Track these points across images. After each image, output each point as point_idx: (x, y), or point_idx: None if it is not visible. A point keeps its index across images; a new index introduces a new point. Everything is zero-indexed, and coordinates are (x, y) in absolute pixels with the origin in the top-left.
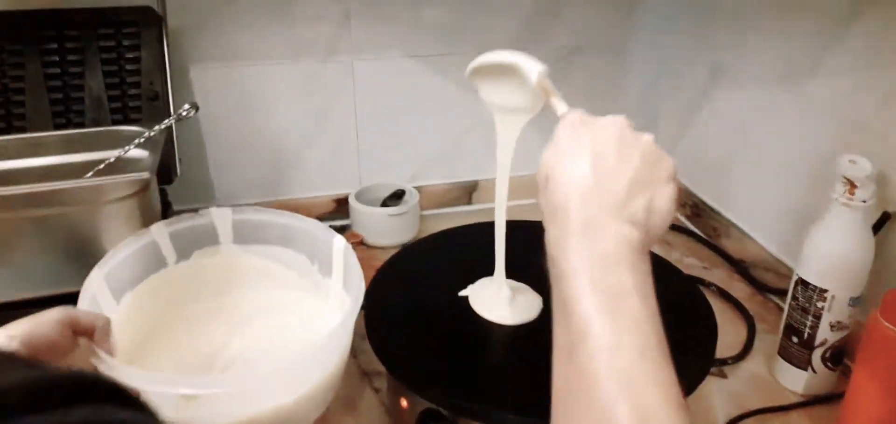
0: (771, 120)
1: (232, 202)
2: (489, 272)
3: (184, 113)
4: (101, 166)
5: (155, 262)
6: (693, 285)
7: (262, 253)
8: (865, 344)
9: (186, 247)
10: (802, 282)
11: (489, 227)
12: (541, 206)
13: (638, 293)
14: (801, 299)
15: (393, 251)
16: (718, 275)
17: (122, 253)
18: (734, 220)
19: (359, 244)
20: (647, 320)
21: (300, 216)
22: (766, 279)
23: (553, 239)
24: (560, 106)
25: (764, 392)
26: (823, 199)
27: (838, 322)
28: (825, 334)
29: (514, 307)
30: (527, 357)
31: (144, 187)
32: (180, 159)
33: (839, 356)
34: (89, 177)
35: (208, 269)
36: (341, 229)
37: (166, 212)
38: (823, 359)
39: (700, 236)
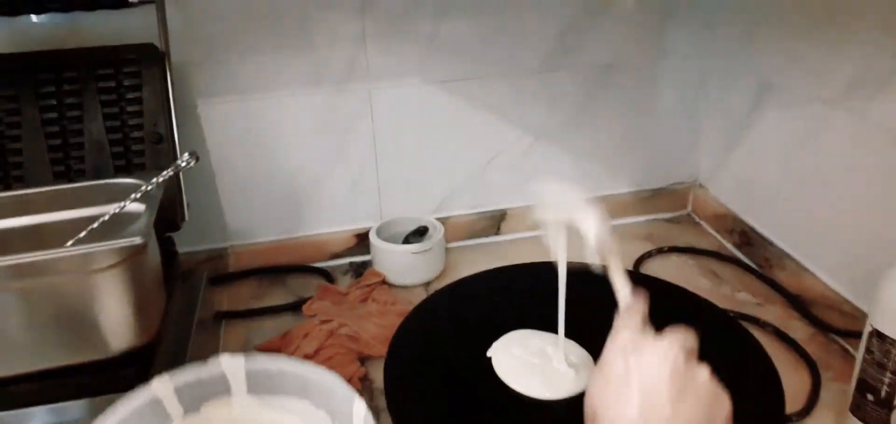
0: (828, 143)
1: (246, 240)
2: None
3: (183, 163)
4: (96, 224)
5: (157, 420)
6: (747, 335)
7: (279, 406)
8: None
9: (194, 401)
10: (878, 334)
11: (524, 269)
12: None
13: None
14: (876, 353)
15: (417, 290)
16: (774, 312)
17: (115, 416)
18: (788, 250)
19: (381, 284)
20: None
21: (319, 368)
22: (828, 318)
23: None
24: (618, 281)
25: None
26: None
27: None
28: None
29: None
30: None
31: (137, 252)
32: (188, 204)
33: None
34: (79, 240)
35: (220, 421)
36: (362, 267)
37: (172, 263)
38: None
39: (751, 268)
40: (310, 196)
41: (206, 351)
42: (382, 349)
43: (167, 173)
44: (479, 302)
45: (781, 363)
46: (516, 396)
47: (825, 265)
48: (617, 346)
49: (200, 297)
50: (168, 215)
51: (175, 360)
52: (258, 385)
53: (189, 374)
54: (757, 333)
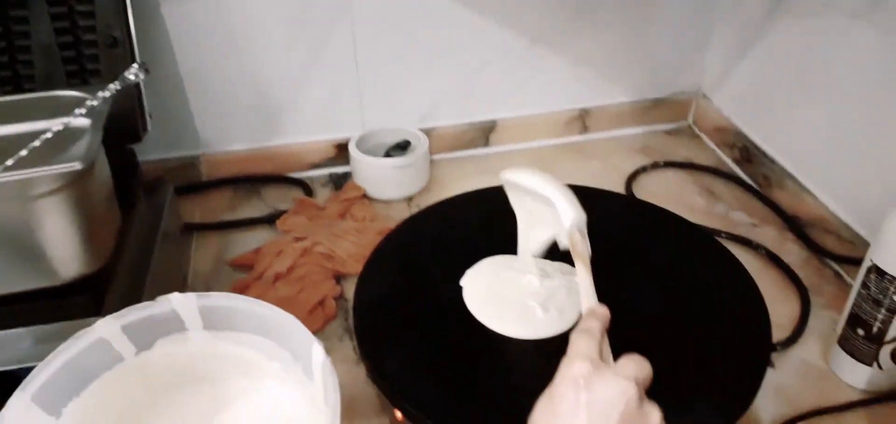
0: (846, 59)
1: (219, 148)
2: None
3: (131, 77)
4: (37, 142)
5: (107, 359)
6: (735, 262)
7: (238, 341)
8: None
9: (146, 338)
10: (878, 270)
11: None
12: None
13: None
14: (873, 289)
15: (398, 205)
16: (769, 234)
17: (56, 363)
18: (790, 169)
19: (360, 199)
20: None
21: (277, 309)
22: (824, 242)
23: None
24: (583, 288)
25: (817, 386)
26: None
27: None
28: None
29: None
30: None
31: (79, 176)
32: (150, 114)
33: None
34: (19, 158)
35: (178, 358)
36: (342, 179)
37: (133, 176)
38: (893, 355)
39: (750, 186)
40: (286, 103)
41: (173, 267)
42: (359, 268)
43: (113, 87)
44: (463, 225)
45: (771, 288)
46: (487, 331)
47: (827, 188)
48: (569, 377)
49: (166, 210)
50: (126, 126)
51: (135, 281)
52: (215, 322)
53: (137, 312)
54: (749, 256)
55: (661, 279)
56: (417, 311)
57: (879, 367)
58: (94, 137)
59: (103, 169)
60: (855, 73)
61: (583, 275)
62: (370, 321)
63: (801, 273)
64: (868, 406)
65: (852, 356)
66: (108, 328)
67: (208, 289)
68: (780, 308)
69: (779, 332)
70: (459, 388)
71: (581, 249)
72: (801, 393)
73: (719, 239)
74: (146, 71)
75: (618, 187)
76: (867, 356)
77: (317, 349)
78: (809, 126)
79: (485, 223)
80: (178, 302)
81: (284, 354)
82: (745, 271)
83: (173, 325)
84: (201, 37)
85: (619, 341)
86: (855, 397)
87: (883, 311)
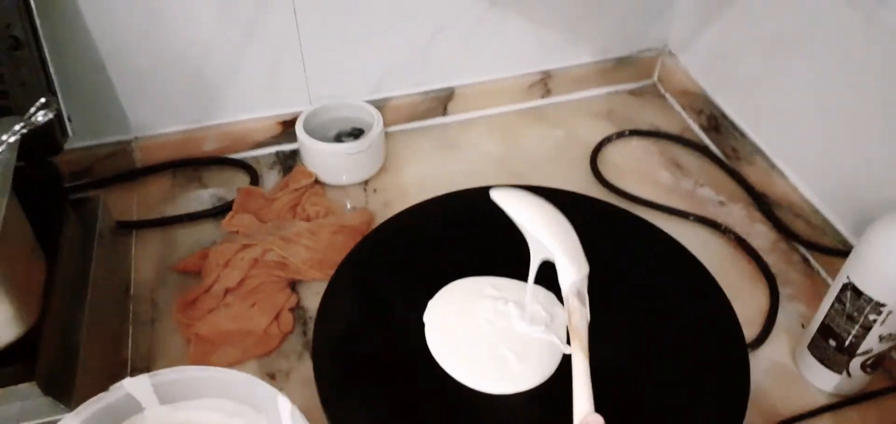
0: (825, 38)
1: (152, 131)
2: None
3: (40, 118)
4: None
5: None
6: (704, 273)
7: (200, 406)
8: None
9: None
10: (854, 289)
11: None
12: None
13: None
14: (848, 305)
15: (354, 191)
16: (737, 213)
17: None
18: (760, 144)
19: (312, 186)
20: None
21: (232, 371)
22: (793, 225)
23: None
24: (578, 386)
25: (785, 388)
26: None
27: (890, 334)
28: (872, 344)
29: (510, 365)
30: None
31: None
32: (69, 118)
33: (881, 362)
34: None
35: None
36: (290, 158)
37: (56, 189)
38: (863, 366)
39: (719, 160)
40: (222, 79)
41: (113, 281)
42: (315, 274)
43: (17, 129)
44: (427, 239)
45: (739, 278)
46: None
47: (798, 169)
48: None
49: (99, 225)
50: (43, 138)
51: (70, 325)
52: (170, 395)
53: (93, 406)
54: (717, 240)
55: (633, 300)
56: (380, 353)
57: (849, 375)
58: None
59: (17, 227)
60: (834, 51)
61: (578, 363)
62: (330, 367)
63: (770, 259)
64: (835, 410)
65: (822, 363)
66: None
67: (153, 300)
68: (749, 300)
69: (747, 323)
70: None
71: (577, 323)
72: (770, 396)
73: (688, 221)
74: (55, 110)
75: (582, 162)
76: (837, 365)
77: (282, 402)
78: (781, 101)
79: (453, 235)
80: (131, 386)
81: (245, 409)
82: (717, 284)
83: (130, 408)
84: (119, 14)
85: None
86: (822, 401)
87: (857, 327)
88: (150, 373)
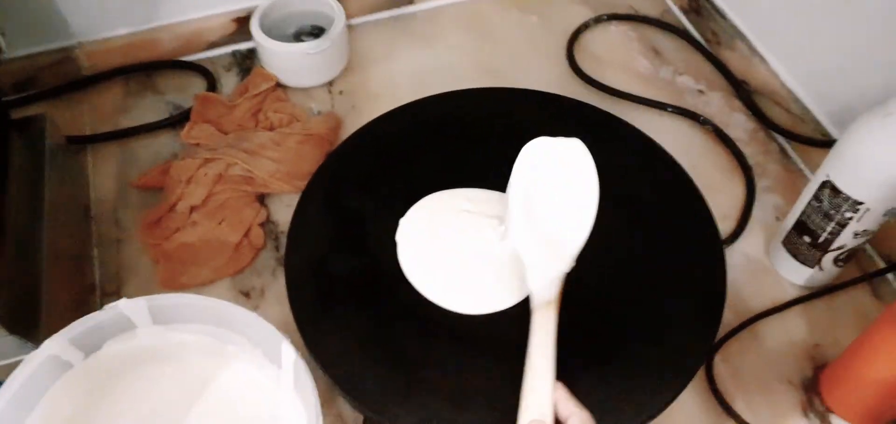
0: None
1: (99, 35)
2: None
3: None
4: None
5: (56, 370)
6: (683, 176)
7: (193, 330)
8: None
9: (95, 343)
10: (833, 187)
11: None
12: None
13: None
14: (825, 203)
15: (317, 92)
16: (715, 102)
17: (7, 394)
18: (742, 28)
19: (273, 89)
20: None
21: (231, 305)
22: (772, 114)
23: None
24: (538, 358)
25: (757, 282)
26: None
27: (865, 231)
28: (846, 240)
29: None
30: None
31: None
32: (2, 32)
33: (853, 256)
34: None
35: (130, 351)
36: (247, 58)
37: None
38: (835, 260)
39: (700, 45)
40: None
41: (71, 204)
42: (283, 186)
43: None
44: (400, 150)
45: (717, 170)
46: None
47: (779, 55)
48: None
49: (47, 147)
50: None
51: (29, 251)
52: (164, 317)
53: (84, 324)
54: (695, 132)
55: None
56: (354, 273)
57: (820, 269)
58: None
59: None
60: None
61: (544, 338)
62: (304, 290)
63: (748, 150)
64: (805, 302)
65: (795, 257)
66: (55, 345)
67: (116, 219)
68: (725, 194)
69: (722, 215)
70: (400, 372)
71: (553, 299)
72: (742, 291)
73: (666, 113)
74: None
75: (558, 53)
76: (810, 260)
77: (287, 347)
78: None
79: (426, 144)
80: (126, 306)
81: (239, 338)
82: (696, 188)
83: (122, 325)
84: None
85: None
86: (794, 294)
87: (832, 224)
88: (148, 297)
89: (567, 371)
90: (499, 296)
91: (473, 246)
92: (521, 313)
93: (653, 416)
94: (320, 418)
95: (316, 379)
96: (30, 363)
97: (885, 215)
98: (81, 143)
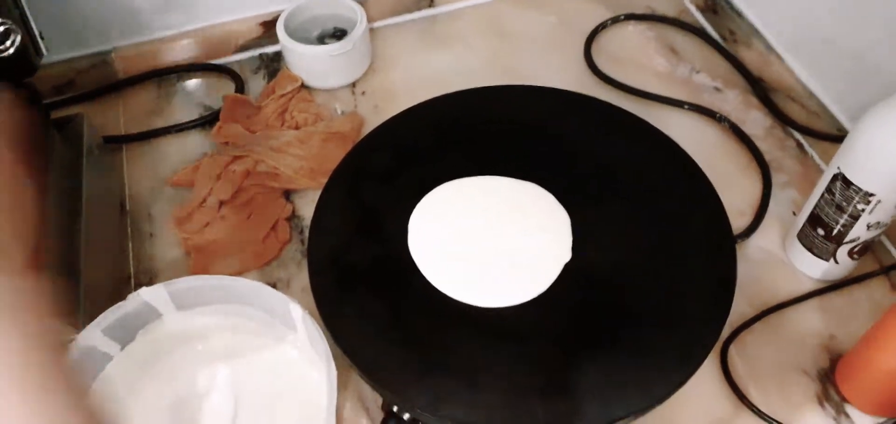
0: None
1: (131, 40)
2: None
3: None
4: None
5: (98, 362)
6: (694, 168)
7: (216, 312)
8: None
9: (127, 333)
10: (844, 179)
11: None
12: None
13: None
14: (837, 195)
15: (342, 93)
16: (732, 99)
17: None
18: (759, 26)
19: (299, 90)
20: None
21: (243, 280)
22: (788, 111)
23: None
24: None
25: (773, 275)
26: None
27: (877, 223)
28: (859, 232)
29: (496, 276)
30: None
31: None
32: (41, 35)
33: (867, 249)
34: None
35: (161, 339)
36: (274, 61)
37: (39, 110)
38: (850, 253)
39: (717, 44)
40: None
41: (107, 198)
42: (308, 183)
43: None
44: (419, 145)
45: (734, 166)
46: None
47: (795, 52)
48: None
49: (85, 145)
50: (16, 61)
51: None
52: (186, 302)
53: (112, 314)
54: (712, 128)
55: (624, 200)
56: (374, 264)
57: (836, 262)
58: None
59: None
60: None
61: None
62: (325, 280)
63: (764, 145)
64: (822, 295)
65: (810, 251)
66: (90, 337)
67: (149, 214)
68: (742, 189)
69: (739, 212)
70: (416, 355)
71: None
72: (759, 284)
73: (683, 110)
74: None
75: (576, 52)
76: (825, 253)
77: (294, 308)
78: None
79: (445, 140)
80: (147, 294)
81: (260, 314)
82: (707, 179)
83: (149, 315)
84: None
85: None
86: (810, 287)
87: (845, 216)
88: (165, 282)
89: (578, 355)
90: (516, 288)
91: (489, 236)
92: (535, 300)
93: (660, 400)
94: (331, 361)
95: (337, 363)
96: (74, 350)
97: None
98: (117, 142)
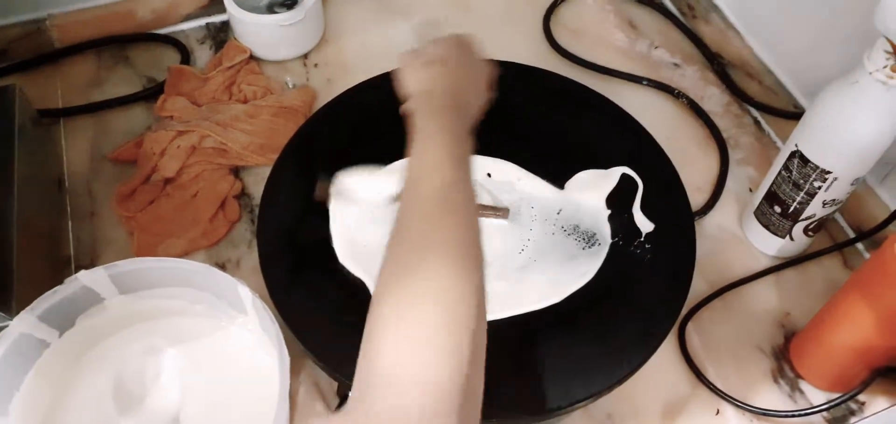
0: None
1: (70, 7)
2: None
3: None
4: None
5: (34, 350)
6: (655, 146)
7: (160, 295)
8: (873, 271)
9: (67, 318)
10: (801, 157)
11: None
12: None
13: None
14: (794, 173)
15: (292, 65)
16: (691, 75)
17: None
18: (718, 2)
19: (247, 62)
20: None
21: (188, 262)
22: (745, 88)
23: None
24: None
25: (730, 252)
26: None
27: (833, 200)
28: (815, 210)
29: None
30: None
31: None
32: None
33: (822, 226)
34: None
35: (103, 325)
36: (221, 31)
37: None
38: (805, 230)
39: (675, 19)
40: None
41: (43, 177)
42: (257, 159)
43: None
44: (369, 124)
45: (692, 143)
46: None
47: (753, 28)
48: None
49: (16, 120)
50: None
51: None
52: (129, 285)
53: (48, 300)
54: (670, 104)
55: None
56: (324, 245)
57: (791, 239)
58: None
59: None
60: None
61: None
62: (277, 260)
63: (722, 123)
64: (777, 272)
65: (766, 228)
66: (24, 324)
67: (90, 192)
68: (699, 166)
69: (696, 187)
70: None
71: None
72: (715, 261)
73: (642, 86)
74: None
75: (535, 25)
76: (781, 231)
77: (243, 291)
78: None
79: (400, 114)
80: (87, 278)
81: (208, 296)
82: (666, 156)
83: (89, 299)
84: None
85: None
86: (766, 264)
87: (802, 194)
88: (106, 265)
89: (538, 335)
90: None
91: None
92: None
93: (621, 381)
94: (283, 345)
95: (290, 348)
96: (1, 343)
97: (852, 184)
98: (54, 116)
